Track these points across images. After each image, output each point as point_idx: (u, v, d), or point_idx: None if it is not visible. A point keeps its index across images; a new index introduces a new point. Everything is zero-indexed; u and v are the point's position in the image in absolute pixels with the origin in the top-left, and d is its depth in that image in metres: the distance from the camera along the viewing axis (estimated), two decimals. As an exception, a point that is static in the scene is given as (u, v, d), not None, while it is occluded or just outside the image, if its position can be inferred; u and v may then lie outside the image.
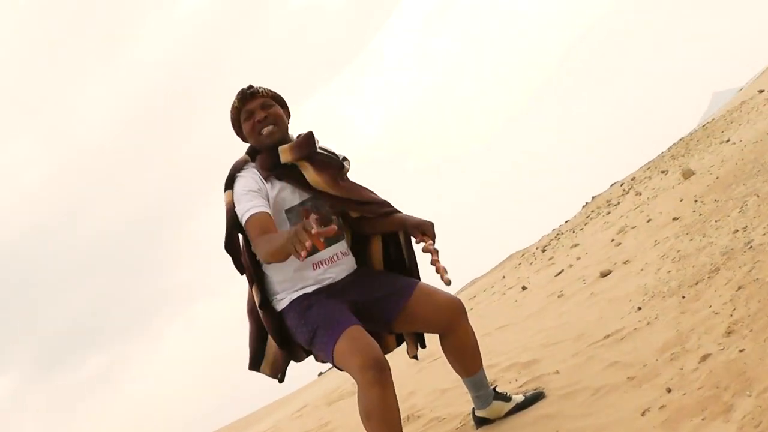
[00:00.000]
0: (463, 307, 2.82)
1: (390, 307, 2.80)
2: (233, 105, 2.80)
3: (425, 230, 2.79)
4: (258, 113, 2.77)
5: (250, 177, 2.69)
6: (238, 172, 2.74)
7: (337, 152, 2.91)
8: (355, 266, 2.92)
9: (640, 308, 4.08)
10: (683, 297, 3.72)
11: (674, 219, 6.68)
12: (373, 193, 2.93)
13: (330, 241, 2.79)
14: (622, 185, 20.44)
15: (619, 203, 14.27)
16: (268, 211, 2.59)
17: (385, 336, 3.05)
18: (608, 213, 13.75)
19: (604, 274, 6.07)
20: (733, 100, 29.62)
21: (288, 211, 2.73)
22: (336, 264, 2.81)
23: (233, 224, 2.65)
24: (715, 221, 5.19)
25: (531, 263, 15.54)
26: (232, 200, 2.65)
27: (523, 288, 9.45)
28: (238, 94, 2.78)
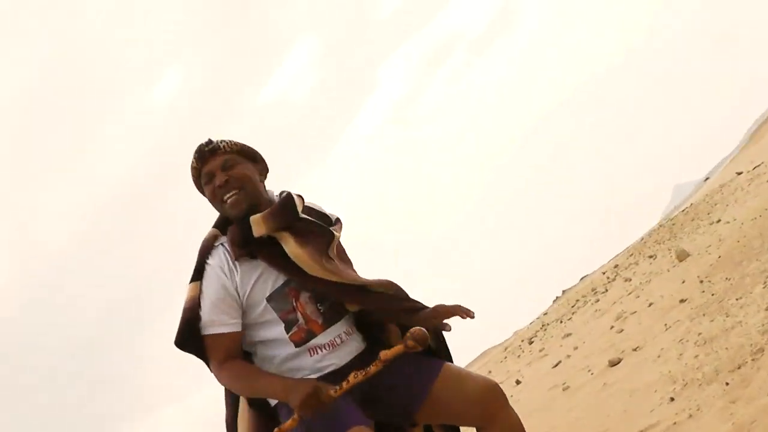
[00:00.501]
0: (502, 391, 2.22)
1: (412, 393, 2.19)
2: (192, 165, 2.27)
3: (448, 313, 2.19)
4: (218, 176, 2.21)
5: (218, 271, 2.18)
6: (207, 256, 2.21)
7: (328, 211, 2.37)
8: (363, 346, 2.29)
9: (672, 399, 3.55)
10: (726, 383, 3.23)
11: (681, 301, 6.23)
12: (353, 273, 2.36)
13: (328, 320, 2.22)
14: (604, 273, 20.10)
15: (606, 290, 13.86)
16: (239, 328, 2.18)
17: None
18: (597, 301, 13.31)
19: (614, 363, 5.55)
20: (703, 188, 29.90)
21: (270, 299, 2.18)
22: (338, 348, 2.22)
23: (189, 325, 2.17)
24: (736, 299, 4.74)
25: (518, 356, 14.95)
26: (198, 298, 2.17)
27: (517, 382, 8.87)
28: (196, 151, 2.25)
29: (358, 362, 2.18)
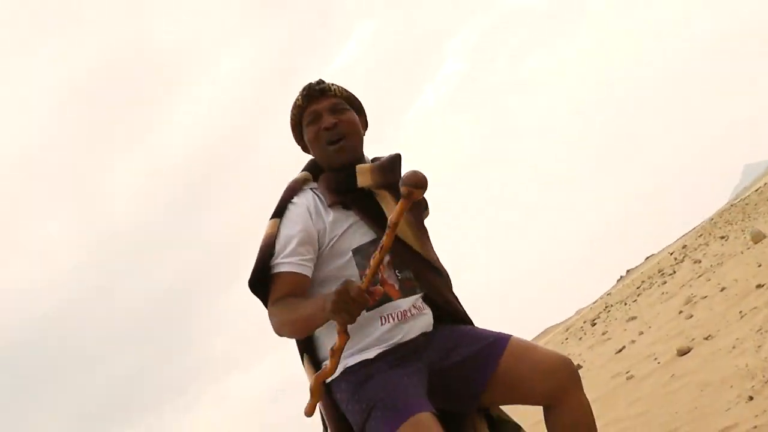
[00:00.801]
0: (576, 369, 2.00)
1: (478, 371, 2.01)
2: (295, 103, 2.13)
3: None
4: (326, 118, 2.09)
5: (303, 210, 2.04)
6: (293, 197, 2.08)
7: None
8: (432, 325, 2.12)
9: (751, 397, 3.21)
10: (815, 384, 2.86)
11: (758, 286, 5.80)
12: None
13: (405, 289, 2.07)
14: (671, 253, 19.40)
15: (674, 272, 13.31)
16: (307, 272, 2.01)
17: (473, 420, 2.13)
18: (664, 283, 12.78)
19: (683, 352, 5.17)
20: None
21: (356, 251, 2.03)
22: (409, 320, 2.04)
23: (264, 263, 2.02)
24: (824, 287, 4.31)
25: (580, 338, 14.55)
26: (276, 233, 2.03)
27: (578, 366, 8.52)
28: (304, 88, 2.11)
29: (423, 339, 2.06)
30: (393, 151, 2.14)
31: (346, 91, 2.14)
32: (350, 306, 1.74)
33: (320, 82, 2.11)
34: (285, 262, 1.98)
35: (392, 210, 1.93)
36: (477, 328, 2.13)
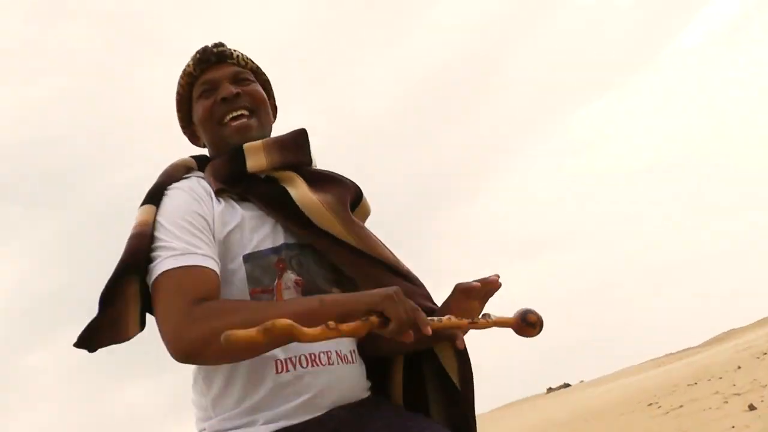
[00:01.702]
0: None
1: None
2: (184, 71, 1.59)
3: (473, 293, 1.35)
4: (224, 87, 1.54)
5: (187, 193, 1.41)
6: (171, 183, 1.46)
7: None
8: (365, 389, 1.44)
9: None
10: None
11: None
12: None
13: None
14: None
15: None
16: (214, 266, 1.33)
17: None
18: None
19: None
20: None
21: (248, 258, 1.37)
22: (320, 372, 1.34)
23: (137, 258, 1.34)
24: None
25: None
26: (152, 222, 1.37)
27: (751, 407, 7.67)
28: (198, 52, 1.57)
29: (351, 415, 1.35)
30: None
31: (252, 61, 1.61)
32: (407, 307, 1.20)
33: (219, 44, 1.58)
34: (185, 256, 1.30)
35: (304, 192, 1.43)
36: (428, 422, 1.39)
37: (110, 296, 1.33)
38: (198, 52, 1.56)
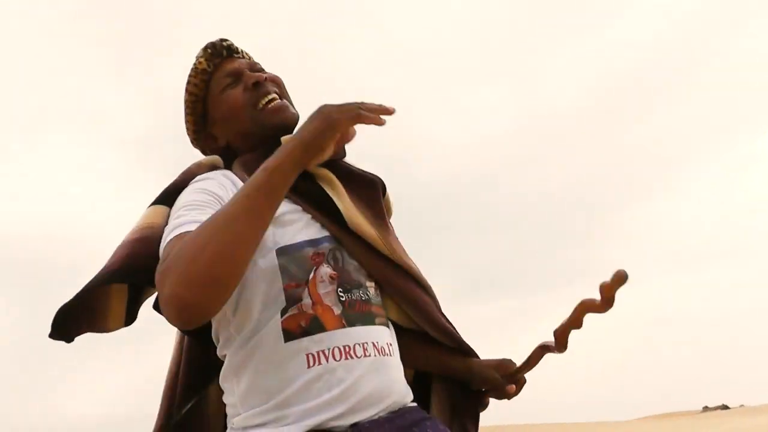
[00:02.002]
0: None
1: None
2: (195, 69, 1.50)
3: (506, 369, 1.45)
4: (248, 75, 1.48)
5: (214, 179, 1.37)
6: (194, 178, 1.41)
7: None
8: (404, 390, 1.34)
9: None
10: None
11: None
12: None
13: (352, 315, 1.29)
14: None
15: None
16: None
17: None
18: None
19: None
20: None
21: (283, 251, 1.28)
22: (354, 365, 1.25)
23: (124, 265, 1.30)
24: None
25: None
26: (163, 226, 1.30)
27: None
28: (206, 48, 1.50)
29: (390, 424, 1.25)
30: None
31: (250, 55, 1.57)
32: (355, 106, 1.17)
33: (225, 39, 1.52)
34: (186, 225, 1.20)
35: (339, 191, 1.39)
36: None
37: (86, 294, 1.29)
38: (207, 47, 1.50)
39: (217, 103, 1.48)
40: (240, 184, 1.33)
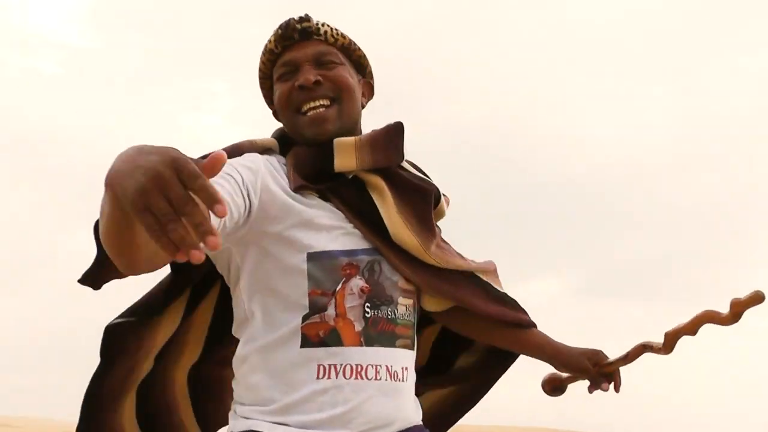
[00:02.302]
0: None
1: None
2: (266, 47, 1.44)
3: (598, 360, 1.50)
4: (305, 70, 1.39)
5: (252, 165, 1.28)
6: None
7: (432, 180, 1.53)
8: (413, 414, 1.37)
9: None
10: None
11: None
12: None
13: (373, 334, 1.29)
14: None
15: None
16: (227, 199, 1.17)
17: None
18: None
19: None
20: None
21: (314, 257, 1.29)
22: (363, 387, 1.27)
23: None
24: None
25: None
26: None
27: None
28: (280, 27, 1.41)
29: None
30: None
31: (344, 36, 1.44)
32: (171, 189, 0.77)
33: (304, 18, 1.41)
34: None
35: (389, 208, 1.36)
36: None
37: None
38: (280, 27, 1.41)
39: (275, 91, 1.45)
40: (281, 174, 1.34)
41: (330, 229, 1.31)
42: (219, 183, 1.15)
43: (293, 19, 1.40)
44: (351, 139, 1.37)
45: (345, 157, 1.35)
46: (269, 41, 1.43)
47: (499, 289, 1.50)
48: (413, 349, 1.37)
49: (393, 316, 1.32)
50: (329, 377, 1.24)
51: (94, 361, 1.40)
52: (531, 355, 1.54)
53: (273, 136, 1.47)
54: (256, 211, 1.23)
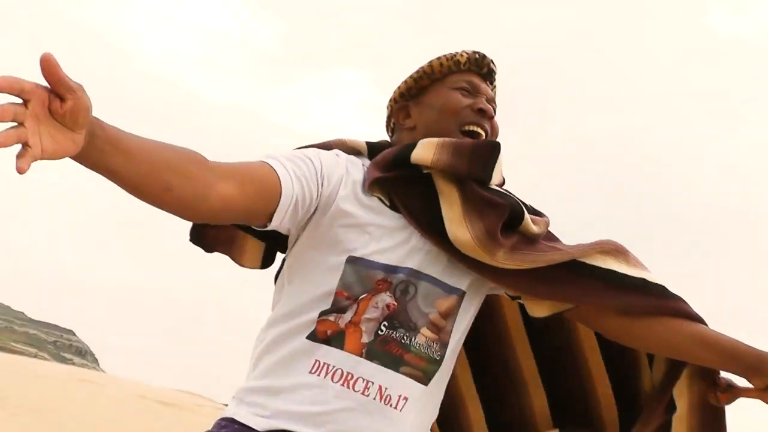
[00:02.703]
0: None
1: None
2: (455, 57, 1.50)
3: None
4: (484, 101, 1.47)
5: (334, 161, 1.35)
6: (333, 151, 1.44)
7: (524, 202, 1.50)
8: None
9: None
10: None
11: None
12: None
13: (377, 352, 1.27)
14: None
15: None
16: (282, 175, 1.23)
17: None
18: None
19: None
20: None
21: (354, 261, 1.30)
22: (352, 400, 1.25)
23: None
24: None
25: None
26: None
27: None
28: (479, 55, 1.51)
29: None
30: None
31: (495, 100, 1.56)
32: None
33: (495, 66, 1.53)
34: (273, 158, 1.27)
35: (454, 212, 1.33)
36: None
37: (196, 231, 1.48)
38: (477, 53, 1.52)
39: (441, 93, 1.49)
40: (358, 175, 1.37)
41: (379, 238, 1.30)
42: (298, 165, 1.24)
43: (488, 57, 1.51)
44: (436, 138, 1.38)
45: (424, 151, 1.35)
46: (461, 54, 1.49)
47: (629, 273, 1.36)
48: (426, 385, 1.29)
49: (407, 342, 1.27)
50: (319, 375, 1.23)
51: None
52: (688, 357, 1.38)
53: (368, 142, 1.49)
54: (323, 202, 1.29)
